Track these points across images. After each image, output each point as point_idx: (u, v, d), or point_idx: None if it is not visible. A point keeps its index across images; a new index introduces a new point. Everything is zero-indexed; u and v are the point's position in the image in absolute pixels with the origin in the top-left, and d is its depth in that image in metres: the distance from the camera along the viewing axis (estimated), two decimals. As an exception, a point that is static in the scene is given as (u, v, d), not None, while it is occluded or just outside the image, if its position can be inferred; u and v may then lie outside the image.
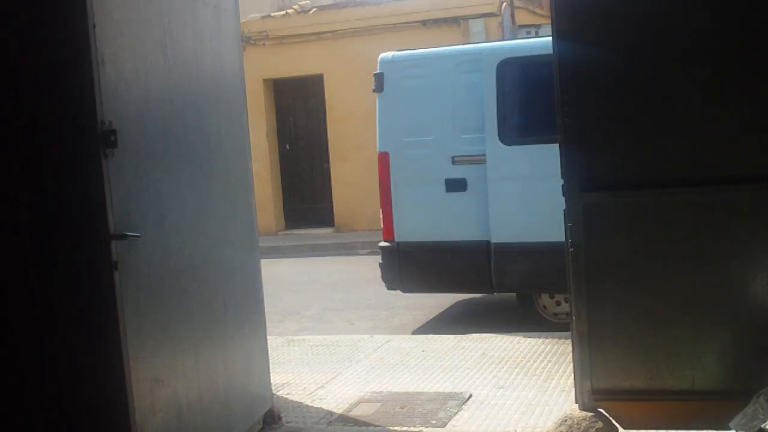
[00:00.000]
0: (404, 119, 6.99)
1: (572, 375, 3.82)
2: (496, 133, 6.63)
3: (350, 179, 14.34)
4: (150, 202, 3.43)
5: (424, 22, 14.02)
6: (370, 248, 11.38)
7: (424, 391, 5.18)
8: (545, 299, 6.83)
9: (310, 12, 15.46)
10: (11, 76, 3.22)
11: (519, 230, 6.62)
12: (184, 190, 3.73)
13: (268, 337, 4.69)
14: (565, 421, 3.72)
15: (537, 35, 12.64)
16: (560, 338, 6.04)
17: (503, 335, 6.50)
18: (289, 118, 15.71)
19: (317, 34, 14.63)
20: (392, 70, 7.01)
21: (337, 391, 5.29)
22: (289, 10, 15.80)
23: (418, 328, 7.44)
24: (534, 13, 13.85)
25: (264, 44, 14.86)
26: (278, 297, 8.35)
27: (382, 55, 7.14)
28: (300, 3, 16.07)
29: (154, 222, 3.44)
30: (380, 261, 7.28)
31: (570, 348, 3.84)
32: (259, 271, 4.56)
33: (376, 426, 4.57)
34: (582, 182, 3.64)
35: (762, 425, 3.19)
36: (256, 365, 4.43)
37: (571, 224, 3.66)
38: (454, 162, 6.84)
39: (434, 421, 4.57)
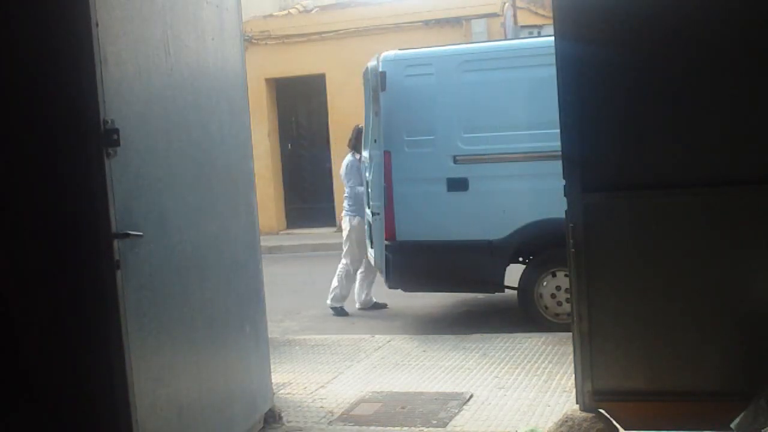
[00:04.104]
0: (406, 118, 6.99)
1: (573, 375, 3.82)
2: None
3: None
4: (152, 201, 3.43)
5: (426, 23, 14.01)
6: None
7: (424, 391, 5.18)
8: (546, 299, 6.82)
9: (312, 12, 15.47)
10: (14, 74, 3.22)
11: None
12: (186, 189, 3.73)
13: (269, 336, 4.69)
14: (566, 421, 3.72)
15: (539, 35, 12.63)
16: (561, 338, 6.03)
17: (504, 335, 6.51)
18: (291, 117, 15.70)
19: (319, 33, 14.63)
20: (395, 68, 7.00)
21: (338, 390, 5.29)
22: (291, 10, 15.81)
23: (419, 327, 7.44)
24: (536, 13, 13.83)
25: (266, 44, 14.86)
26: (279, 296, 8.33)
27: (384, 53, 7.11)
28: (302, 3, 16.07)
29: (155, 221, 3.44)
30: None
31: (571, 348, 3.83)
32: (261, 270, 4.56)
33: (377, 426, 4.57)
34: (583, 183, 3.63)
35: (762, 429, 3.19)
36: (257, 364, 4.43)
37: (572, 225, 3.66)
38: (455, 161, 6.84)
39: (435, 422, 4.57)
